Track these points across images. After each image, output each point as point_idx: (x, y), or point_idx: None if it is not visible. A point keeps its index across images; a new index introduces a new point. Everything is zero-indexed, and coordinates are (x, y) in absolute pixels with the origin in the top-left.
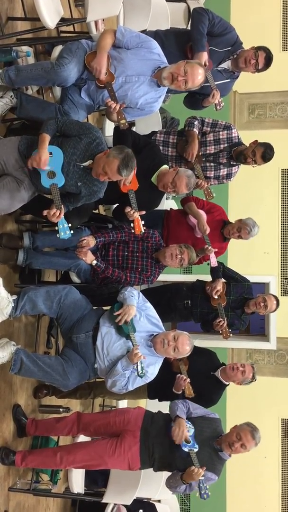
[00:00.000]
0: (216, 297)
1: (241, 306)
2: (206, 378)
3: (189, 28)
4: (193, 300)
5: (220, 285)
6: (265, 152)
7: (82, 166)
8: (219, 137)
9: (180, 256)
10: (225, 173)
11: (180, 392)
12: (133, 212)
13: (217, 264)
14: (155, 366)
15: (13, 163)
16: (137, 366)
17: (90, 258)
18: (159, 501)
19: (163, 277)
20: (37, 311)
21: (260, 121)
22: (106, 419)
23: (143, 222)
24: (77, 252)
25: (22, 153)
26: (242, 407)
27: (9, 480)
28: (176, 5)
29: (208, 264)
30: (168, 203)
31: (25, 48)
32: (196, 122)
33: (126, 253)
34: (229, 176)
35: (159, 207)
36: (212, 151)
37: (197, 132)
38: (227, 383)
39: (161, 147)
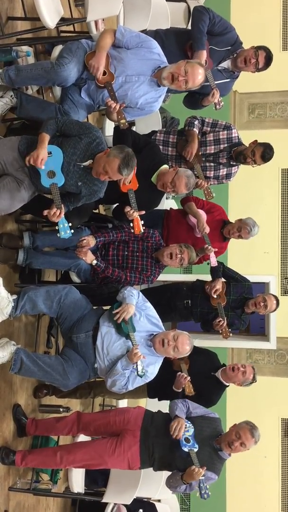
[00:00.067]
0: (215, 296)
1: (241, 306)
2: (206, 378)
3: (189, 27)
4: (193, 300)
5: (219, 284)
6: (265, 152)
7: (82, 166)
8: (219, 137)
9: (180, 255)
10: (224, 173)
11: (180, 390)
12: (133, 212)
13: (217, 264)
14: (155, 365)
15: (13, 163)
16: (136, 365)
17: (90, 258)
18: (159, 500)
19: (163, 277)
20: (37, 310)
21: (260, 121)
22: (106, 418)
23: (142, 222)
24: (77, 252)
25: (22, 153)
26: (242, 407)
27: (9, 479)
28: (176, 4)
29: (208, 263)
30: (168, 203)
31: (25, 48)
32: (196, 122)
33: (126, 253)
34: (228, 176)
35: (159, 207)
36: (212, 151)
37: (197, 132)
38: (227, 384)
39: (161, 147)
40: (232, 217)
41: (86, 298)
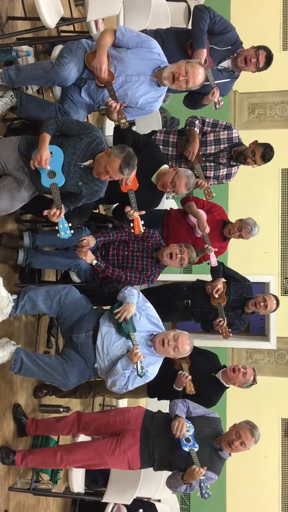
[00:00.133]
0: (217, 296)
1: (241, 305)
2: (206, 378)
3: (189, 27)
4: (193, 300)
5: (220, 284)
6: (265, 152)
7: (82, 166)
8: (219, 137)
9: (180, 255)
10: (224, 173)
11: (181, 389)
12: (133, 212)
13: (217, 264)
14: (155, 365)
15: (13, 163)
16: (137, 365)
17: (90, 258)
18: (159, 500)
19: (163, 277)
20: (37, 310)
21: (260, 121)
22: (106, 418)
23: (142, 222)
24: (77, 252)
25: (23, 153)
26: (242, 407)
27: (9, 479)
28: (176, 4)
29: (208, 263)
30: (168, 203)
31: (25, 48)
32: (197, 122)
33: (126, 253)
34: (228, 176)
35: (159, 207)
36: (212, 151)
37: (198, 132)
38: (227, 385)
39: (161, 147)
40: (232, 217)
41: (86, 298)
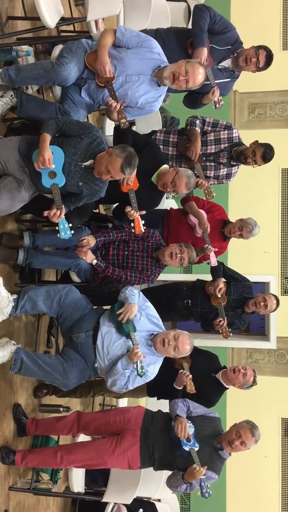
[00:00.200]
0: (219, 295)
1: (241, 305)
2: (206, 379)
3: (189, 27)
4: (193, 300)
5: (222, 283)
6: (265, 153)
7: (83, 166)
8: (219, 137)
9: (180, 255)
10: (225, 173)
11: (181, 388)
12: (134, 212)
13: (217, 264)
14: (155, 365)
15: (13, 163)
16: (137, 365)
17: (90, 258)
18: (159, 500)
19: (163, 277)
20: (37, 310)
21: (260, 121)
22: (106, 418)
23: (143, 222)
24: (77, 252)
25: (23, 153)
26: (242, 407)
27: (9, 479)
28: (176, 4)
29: (208, 263)
30: (168, 203)
31: (25, 48)
32: (197, 121)
33: (126, 253)
34: (228, 176)
35: (159, 207)
36: (213, 151)
37: (199, 131)
38: (227, 386)
39: (161, 146)
40: (232, 217)
41: (86, 298)
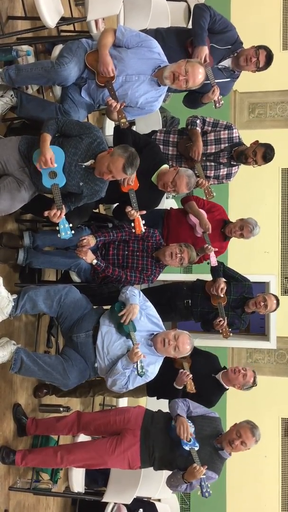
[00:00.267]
0: (222, 295)
1: (241, 305)
2: (206, 379)
3: (189, 27)
4: (193, 300)
5: (223, 283)
6: (266, 153)
7: (83, 166)
8: (220, 137)
9: (180, 255)
10: (225, 173)
11: (181, 387)
12: (134, 212)
13: (217, 264)
14: (155, 365)
15: (13, 163)
16: (137, 365)
17: (90, 258)
18: (159, 500)
19: (163, 277)
20: (37, 310)
21: (260, 121)
22: (106, 418)
23: (143, 222)
24: (77, 252)
25: (23, 153)
26: (242, 407)
27: (10, 479)
28: (177, 4)
29: (208, 263)
30: (169, 203)
31: (25, 47)
32: (198, 121)
33: (126, 252)
34: (228, 176)
35: (160, 206)
36: (213, 151)
37: (200, 131)
38: (227, 387)
39: (161, 146)
40: (232, 217)
41: (86, 298)
